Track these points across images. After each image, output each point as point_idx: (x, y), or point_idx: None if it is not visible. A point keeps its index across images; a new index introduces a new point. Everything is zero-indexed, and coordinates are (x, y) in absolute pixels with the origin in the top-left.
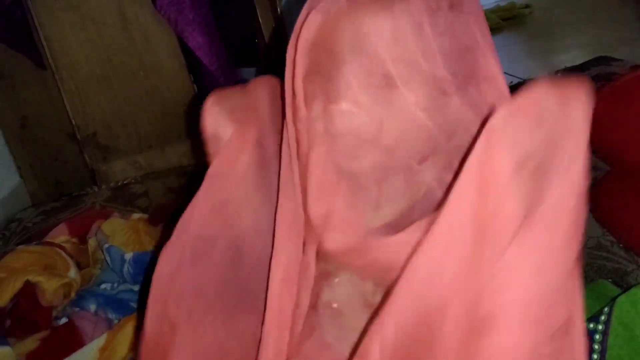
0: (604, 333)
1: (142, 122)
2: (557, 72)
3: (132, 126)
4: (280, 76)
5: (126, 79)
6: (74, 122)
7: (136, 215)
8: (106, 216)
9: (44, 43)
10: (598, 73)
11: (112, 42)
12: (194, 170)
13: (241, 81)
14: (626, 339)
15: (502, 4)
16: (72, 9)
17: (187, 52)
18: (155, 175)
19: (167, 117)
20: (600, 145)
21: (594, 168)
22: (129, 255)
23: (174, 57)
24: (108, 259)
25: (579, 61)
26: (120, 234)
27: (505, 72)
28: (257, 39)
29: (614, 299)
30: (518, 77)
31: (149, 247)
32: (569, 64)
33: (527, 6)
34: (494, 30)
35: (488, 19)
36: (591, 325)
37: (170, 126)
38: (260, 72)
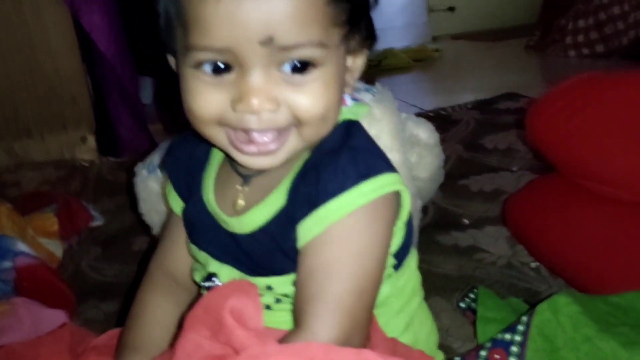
0: (522, 345)
1: (23, 104)
2: (467, 104)
3: (11, 108)
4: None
5: (10, 55)
6: None
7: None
8: None
9: None
10: (507, 107)
11: None
12: (77, 165)
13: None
14: (547, 351)
15: (414, 46)
16: None
17: (84, 38)
18: (32, 166)
19: (52, 102)
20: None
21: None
22: None
23: (65, 37)
24: None
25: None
26: None
27: (412, 105)
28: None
29: (533, 307)
30: (424, 110)
31: (9, 232)
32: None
33: (437, 50)
34: (405, 69)
35: (399, 57)
36: (507, 337)
37: (55, 113)
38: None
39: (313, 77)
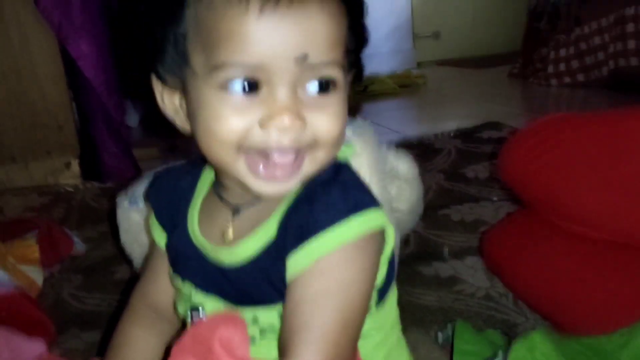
0: None
1: (7, 131)
2: (450, 132)
3: None
4: None
5: None
6: None
7: None
8: None
9: None
10: (489, 137)
11: None
12: (61, 192)
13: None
14: None
15: (399, 72)
16: None
17: (70, 64)
18: (15, 192)
19: (37, 129)
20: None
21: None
22: None
23: (52, 63)
24: None
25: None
26: None
27: (396, 131)
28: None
29: (508, 344)
30: (408, 137)
31: None
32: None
33: (422, 76)
34: (390, 95)
35: (385, 83)
36: None
37: (40, 139)
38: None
39: (333, 98)
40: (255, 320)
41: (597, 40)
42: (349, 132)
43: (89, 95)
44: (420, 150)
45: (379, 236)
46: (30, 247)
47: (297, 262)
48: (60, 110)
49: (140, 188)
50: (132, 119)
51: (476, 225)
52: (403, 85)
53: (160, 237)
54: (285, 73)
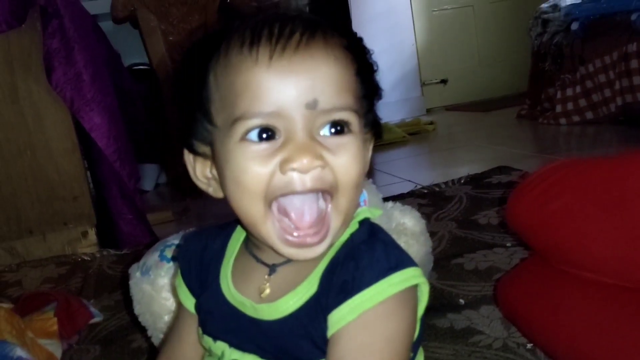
0: None
1: (24, 206)
2: (460, 179)
3: (12, 209)
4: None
5: (11, 157)
6: None
7: (1, 305)
8: None
9: None
10: (499, 181)
11: None
12: (78, 260)
13: (138, 171)
14: None
15: (408, 119)
16: None
17: (84, 136)
18: (33, 264)
19: (53, 202)
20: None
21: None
22: None
23: (66, 138)
24: None
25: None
26: None
27: (408, 180)
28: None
29: None
30: (420, 184)
31: (8, 337)
32: (471, 173)
33: (431, 123)
34: (400, 143)
35: (394, 132)
36: None
37: (56, 211)
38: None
39: (348, 141)
40: None
41: (602, 77)
42: None
43: (102, 165)
44: (431, 199)
45: (416, 292)
46: (49, 320)
47: (341, 316)
48: (75, 182)
49: (151, 258)
50: (147, 183)
51: (490, 272)
52: (413, 133)
53: (188, 299)
54: (299, 118)
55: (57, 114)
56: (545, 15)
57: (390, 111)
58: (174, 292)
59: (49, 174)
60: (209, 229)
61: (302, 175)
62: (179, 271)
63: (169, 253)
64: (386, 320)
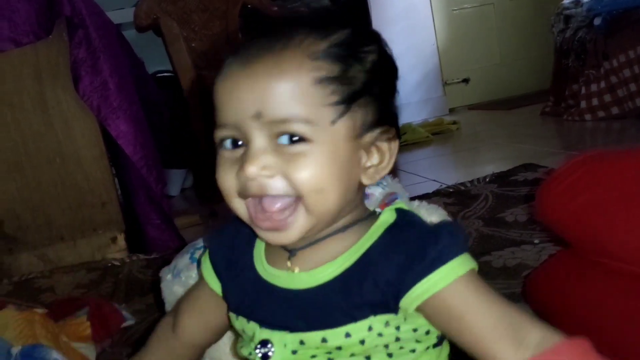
0: None
1: (55, 213)
2: (485, 177)
3: (43, 216)
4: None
5: (41, 166)
6: None
7: (36, 310)
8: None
9: None
10: (525, 179)
11: (29, 127)
12: (107, 266)
13: (164, 177)
14: None
15: (431, 119)
16: None
17: (111, 143)
18: (65, 270)
19: (83, 208)
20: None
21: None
22: (16, 349)
23: (94, 146)
24: None
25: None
26: (12, 327)
27: (433, 179)
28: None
29: None
30: (445, 184)
31: (44, 341)
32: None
33: (454, 122)
34: (424, 143)
35: (418, 132)
36: None
37: (86, 218)
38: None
39: (304, 151)
40: (324, 341)
41: (627, 72)
42: (377, 191)
43: (130, 171)
44: (457, 198)
45: None
46: (82, 324)
47: (433, 283)
48: (104, 189)
49: (181, 261)
50: (174, 188)
51: (519, 270)
52: (436, 133)
53: (214, 282)
54: (251, 129)
55: (85, 122)
56: (568, 11)
57: (412, 111)
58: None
59: (78, 181)
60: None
61: (250, 183)
62: (206, 252)
63: (199, 255)
64: (472, 285)
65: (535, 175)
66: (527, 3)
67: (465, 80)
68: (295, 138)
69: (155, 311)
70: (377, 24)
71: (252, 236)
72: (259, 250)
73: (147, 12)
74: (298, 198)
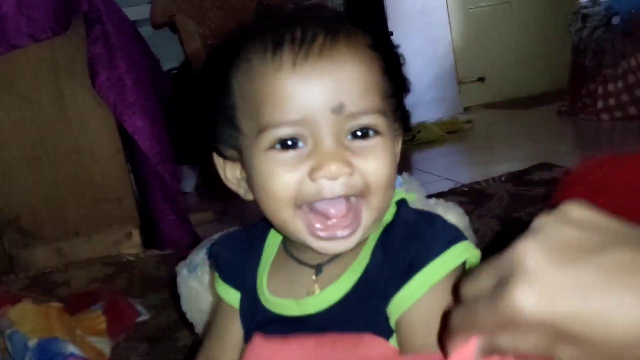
0: None
1: (71, 208)
2: (500, 177)
3: (59, 211)
4: None
5: (57, 161)
6: None
7: (52, 304)
8: (16, 301)
9: None
10: (541, 178)
11: (46, 123)
12: (123, 261)
13: (179, 174)
14: None
15: (446, 118)
16: (4, 87)
17: (127, 139)
18: (80, 264)
19: (98, 204)
20: None
21: None
22: (32, 343)
23: (111, 141)
24: (9, 346)
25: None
26: (29, 320)
27: (447, 178)
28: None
29: None
30: (460, 182)
31: (59, 334)
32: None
33: (469, 121)
34: (438, 142)
35: (432, 131)
36: None
37: (101, 213)
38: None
39: (376, 144)
40: None
41: None
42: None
43: (145, 167)
44: (472, 197)
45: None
46: (97, 318)
47: (412, 291)
48: (119, 184)
49: (197, 256)
50: (188, 184)
51: None
52: (451, 132)
53: (231, 295)
54: (325, 124)
55: (101, 118)
56: (585, 10)
57: (427, 110)
58: (213, 293)
59: (93, 177)
60: (241, 232)
61: (331, 182)
62: (215, 274)
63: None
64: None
65: (551, 174)
66: (544, 2)
67: (481, 79)
68: (365, 132)
69: (169, 306)
70: (392, 23)
71: (256, 258)
72: (262, 277)
73: (162, 9)
74: (362, 198)
